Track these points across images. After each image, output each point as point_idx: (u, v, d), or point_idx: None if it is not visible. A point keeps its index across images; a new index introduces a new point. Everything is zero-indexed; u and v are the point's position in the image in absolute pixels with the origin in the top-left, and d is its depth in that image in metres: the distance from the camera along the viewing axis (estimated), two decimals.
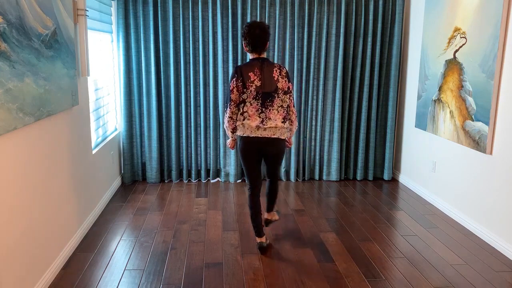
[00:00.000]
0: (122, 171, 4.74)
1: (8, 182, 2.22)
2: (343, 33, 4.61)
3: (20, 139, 2.36)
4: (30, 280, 2.46)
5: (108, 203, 4.13)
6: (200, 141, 4.82)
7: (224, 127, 3.08)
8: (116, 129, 4.67)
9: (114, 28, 4.51)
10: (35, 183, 2.54)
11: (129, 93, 4.60)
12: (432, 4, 4.14)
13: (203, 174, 4.87)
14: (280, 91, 2.96)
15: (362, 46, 4.71)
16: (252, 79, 2.92)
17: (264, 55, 3.02)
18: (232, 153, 4.77)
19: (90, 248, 3.20)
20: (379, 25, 4.65)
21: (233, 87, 2.94)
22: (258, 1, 4.52)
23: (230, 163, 4.81)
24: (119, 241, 3.32)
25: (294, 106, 3.07)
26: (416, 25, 4.55)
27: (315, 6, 4.57)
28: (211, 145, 4.78)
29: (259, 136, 2.98)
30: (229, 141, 3.18)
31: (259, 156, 3.09)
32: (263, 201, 4.06)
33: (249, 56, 3.05)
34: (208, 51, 4.62)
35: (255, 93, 2.93)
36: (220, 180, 4.92)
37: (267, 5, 4.54)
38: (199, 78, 4.67)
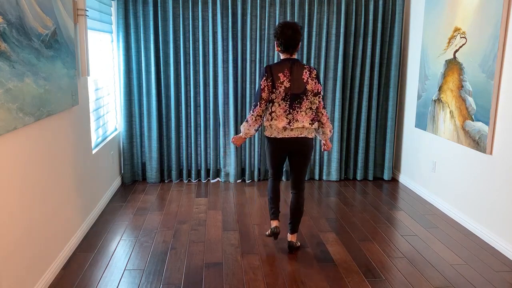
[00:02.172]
0: (122, 171, 4.74)
1: (8, 182, 2.22)
2: (343, 33, 4.61)
3: (20, 139, 2.36)
4: (30, 280, 2.46)
5: (108, 203, 4.13)
6: (200, 141, 4.82)
7: (245, 123, 3.04)
8: (116, 129, 4.67)
9: (114, 28, 4.51)
10: (35, 183, 2.54)
11: (129, 93, 4.60)
12: (432, 4, 4.14)
13: (203, 174, 4.87)
14: (310, 93, 2.94)
15: (362, 46, 4.71)
16: (281, 80, 2.91)
17: (295, 56, 3.01)
18: (232, 153, 4.77)
19: (90, 248, 3.20)
20: (379, 25, 4.65)
21: (264, 86, 2.93)
22: (258, 1, 4.52)
23: (230, 163, 4.81)
24: (119, 241, 3.32)
25: (324, 108, 3.02)
26: (416, 25, 4.55)
27: (315, 6, 4.57)
28: (211, 145, 4.78)
29: (286, 137, 2.98)
30: (238, 136, 3.13)
31: (285, 154, 3.09)
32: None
33: (281, 56, 3.04)
34: (208, 51, 4.62)
35: (283, 94, 2.92)
36: (220, 180, 4.92)
37: (267, 5, 4.54)
38: (199, 78, 4.67)
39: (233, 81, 4.63)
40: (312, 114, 2.98)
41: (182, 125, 4.76)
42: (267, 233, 3.33)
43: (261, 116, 3.00)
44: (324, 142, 3.19)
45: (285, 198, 4.34)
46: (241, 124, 4.78)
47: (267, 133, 3.04)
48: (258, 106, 2.96)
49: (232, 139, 3.16)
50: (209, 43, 4.58)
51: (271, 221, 3.23)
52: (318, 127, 3.07)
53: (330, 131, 3.08)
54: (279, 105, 2.94)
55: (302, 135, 2.99)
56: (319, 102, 2.99)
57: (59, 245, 2.90)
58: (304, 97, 2.93)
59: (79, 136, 3.33)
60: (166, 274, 2.85)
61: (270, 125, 2.99)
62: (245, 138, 3.14)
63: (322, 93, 3.04)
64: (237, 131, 4.75)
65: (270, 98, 2.96)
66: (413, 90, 4.63)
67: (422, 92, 4.37)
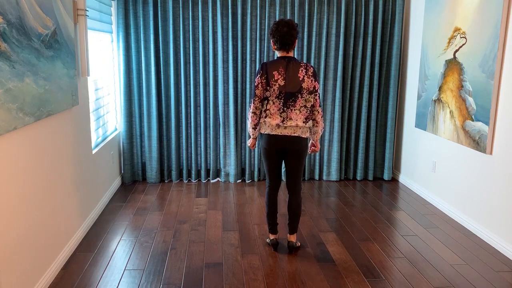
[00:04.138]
0: (122, 171, 4.74)
1: (8, 182, 2.22)
2: (343, 33, 4.61)
3: (20, 139, 2.36)
4: (30, 280, 2.46)
5: (108, 203, 4.13)
6: (200, 141, 4.82)
7: (248, 123, 3.07)
8: (116, 129, 4.67)
9: (114, 28, 4.51)
10: (35, 183, 2.54)
11: (129, 93, 4.60)
12: (432, 4, 4.14)
13: (203, 174, 4.87)
14: (305, 91, 2.93)
15: (362, 46, 4.71)
16: (276, 78, 2.91)
17: (292, 53, 2.99)
18: (232, 153, 4.77)
19: (90, 248, 3.20)
20: (379, 25, 4.65)
21: (258, 83, 2.93)
22: (258, 1, 4.52)
23: (230, 163, 4.81)
24: (119, 241, 3.32)
25: (320, 106, 3.00)
26: (416, 25, 4.55)
27: (315, 6, 4.57)
28: (211, 145, 4.78)
29: (279, 134, 2.97)
30: (249, 140, 3.17)
31: (279, 155, 3.07)
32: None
33: (277, 54, 3.03)
34: (208, 51, 4.62)
35: (278, 92, 2.91)
36: (220, 180, 4.92)
37: (267, 5, 4.54)
38: (199, 78, 4.67)
39: (233, 81, 4.63)
40: (306, 112, 2.96)
41: (182, 125, 4.76)
42: (267, 240, 3.32)
43: (256, 113, 2.99)
44: (313, 142, 3.14)
45: (284, 198, 4.34)
46: (241, 124, 4.79)
47: (261, 130, 3.04)
48: (253, 103, 2.98)
49: (248, 143, 3.19)
50: (209, 43, 4.58)
51: (269, 234, 3.25)
52: (312, 125, 3.06)
53: (321, 129, 3.07)
54: (273, 103, 2.94)
55: (296, 134, 2.97)
56: (316, 100, 2.98)
57: (59, 245, 2.90)
58: (299, 96, 2.92)
59: (79, 136, 3.33)
60: (166, 274, 2.85)
61: (264, 121, 3.00)
62: (255, 139, 3.15)
63: (319, 91, 3.02)
64: (237, 131, 4.75)
65: (264, 95, 2.96)
66: (413, 90, 4.63)
67: (422, 92, 4.37)
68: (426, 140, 4.37)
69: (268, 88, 2.93)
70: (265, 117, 2.99)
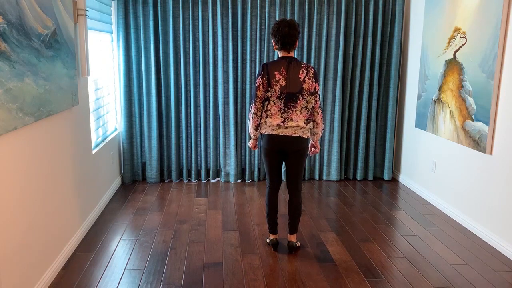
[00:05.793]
0: (122, 171, 4.74)
1: (8, 182, 2.22)
2: (343, 33, 4.61)
3: (20, 139, 2.36)
4: (31, 280, 2.46)
5: (108, 203, 4.13)
6: (200, 141, 4.82)
7: (249, 124, 3.07)
8: (116, 129, 4.68)
9: (114, 28, 4.51)
10: (35, 183, 2.54)
11: (129, 93, 4.60)
12: (432, 4, 4.15)
13: (203, 174, 4.87)
14: (306, 92, 2.93)
15: (362, 46, 4.71)
16: (277, 78, 2.90)
17: (293, 54, 2.99)
18: (232, 153, 4.77)
19: (90, 248, 3.20)
20: (379, 25, 4.65)
21: (259, 84, 2.93)
22: (258, 1, 4.52)
23: (230, 163, 4.81)
24: (119, 241, 3.32)
25: (320, 108, 3.00)
26: (416, 25, 4.55)
27: (315, 6, 4.57)
28: (211, 145, 4.78)
29: (280, 134, 2.96)
30: (251, 141, 3.16)
31: (280, 155, 3.07)
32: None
33: (278, 54, 3.02)
34: (208, 51, 4.62)
35: (279, 93, 2.91)
36: (220, 180, 4.92)
37: (267, 5, 4.54)
38: (199, 78, 4.67)
39: (233, 81, 4.63)
40: (307, 113, 2.97)
41: (182, 125, 4.76)
42: (267, 240, 3.32)
43: (257, 114, 2.98)
44: (313, 143, 3.14)
45: (284, 198, 4.34)
46: (241, 124, 4.79)
47: (262, 130, 3.03)
48: (254, 104, 2.97)
49: (249, 144, 3.18)
50: (209, 43, 4.58)
51: (269, 234, 3.26)
52: (313, 126, 3.06)
53: (321, 130, 3.07)
54: (274, 103, 2.94)
55: (296, 134, 2.96)
56: (316, 101, 2.98)
57: (59, 245, 2.90)
58: (300, 96, 2.92)
59: (79, 136, 3.33)
60: (166, 274, 2.85)
61: (265, 122, 2.99)
62: (256, 140, 3.14)
63: (319, 92, 3.02)
64: (237, 131, 4.75)
65: (265, 96, 2.95)
66: (413, 90, 4.63)
67: (422, 92, 4.37)
68: (426, 140, 4.37)
69: (269, 88, 2.92)
70: (266, 117, 2.98)
